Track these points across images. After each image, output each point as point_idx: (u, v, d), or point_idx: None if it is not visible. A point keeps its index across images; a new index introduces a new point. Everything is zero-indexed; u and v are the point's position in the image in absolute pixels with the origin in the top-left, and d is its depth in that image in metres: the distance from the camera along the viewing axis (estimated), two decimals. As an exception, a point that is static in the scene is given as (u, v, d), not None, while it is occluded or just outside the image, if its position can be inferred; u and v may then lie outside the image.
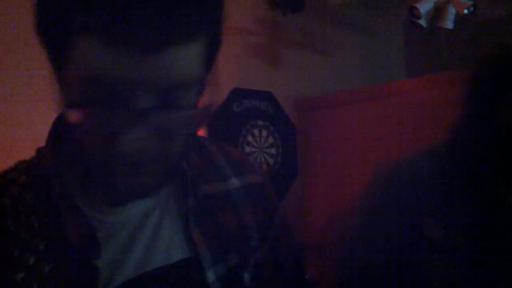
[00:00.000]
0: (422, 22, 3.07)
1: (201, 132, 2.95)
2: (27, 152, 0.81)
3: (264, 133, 3.32)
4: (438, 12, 3.08)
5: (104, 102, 0.62)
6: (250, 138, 3.23)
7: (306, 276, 0.97)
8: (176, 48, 0.60)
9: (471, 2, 2.93)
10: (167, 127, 0.64)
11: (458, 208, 1.29)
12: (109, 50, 0.59)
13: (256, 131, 3.27)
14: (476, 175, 1.29)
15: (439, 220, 1.27)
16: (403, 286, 1.30)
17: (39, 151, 0.78)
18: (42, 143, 0.79)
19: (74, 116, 0.62)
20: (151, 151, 0.64)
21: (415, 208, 1.28)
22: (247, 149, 3.21)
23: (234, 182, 0.88)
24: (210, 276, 0.78)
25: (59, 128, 0.76)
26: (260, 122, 3.29)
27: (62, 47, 0.63)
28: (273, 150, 3.36)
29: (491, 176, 1.30)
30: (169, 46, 0.60)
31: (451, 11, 3.02)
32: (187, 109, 0.66)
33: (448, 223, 1.27)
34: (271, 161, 3.34)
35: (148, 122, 0.62)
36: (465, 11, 2.97)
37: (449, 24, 3.05)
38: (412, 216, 1.28)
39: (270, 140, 3.35)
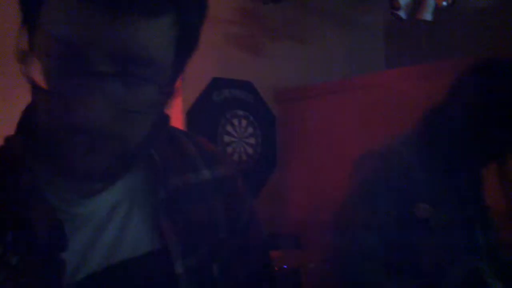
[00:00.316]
0: (402, 14, 3.08)
1: (179, 124, 2.93)
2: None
3: (244, 123, 3.31)
4: (417, 4, 3.10)
5: (64, 66, 0.61)
6: (229, 128, 3.22)
7: (276, 268, 0.96)
8: (140, 18, 0.61)
9: (450, -5, 2.95)
10: (127, 100, 0.64)
11: (445, 190, 1.32)
12: (74, 8, 0.59)
13: (235, 121, 3.26)
14: (457, 158, 1.32)
15: (428, 203, 1.30)
16: (392, 269, 1.31)
17: (7, 139, 0.76)
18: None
19: (37, 88, 0.62)
20: (108, 125, 0.63)
21: (404, 193, 1.30)
22: (226, 138, 3.20)
23: (205, 174, 0.87)
24: (179, 267, 0.77)
25: (28, 116, 0.75)
26: (239, 112, 3.28)
27: (32, 5, 0.64)
28: (252, 140, 3.35)
29: (470, 157, 1.34)
30: (132, 13, 0.60)
31: (430, 3, 3.04)
32: (149, 86, 0.65)
33: (437, 205, 1.30)
34: (250, 151, 3.34)
35: (106, 89, 0.62)
36: (444, 3, 2.99)
37: (428, 16, 3.07)
38: (402, 201, 1.30)
39: (250, 130, 3.34)
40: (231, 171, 0.91)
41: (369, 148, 1.43)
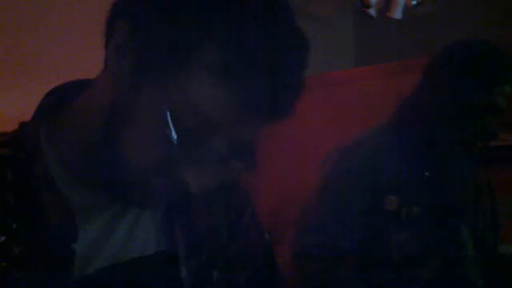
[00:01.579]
0: (372, 12, 3.10)
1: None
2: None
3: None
4: (387, 2, 3.12)
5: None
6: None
7: (279, 273, 0.97)
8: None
9: (419, -6, 2.98)
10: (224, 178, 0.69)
11: (418, 183, 1.32)
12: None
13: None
14: (430, 147, 1.33)
15: (401, 197, 1.30)
16: (364, 263, 1.31)
17: (23, 125, 0.74)
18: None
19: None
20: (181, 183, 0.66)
21: (376, 187, 1.30)
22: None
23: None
24: (184, 271, 0.77)
25: (53, 102, 0.73)
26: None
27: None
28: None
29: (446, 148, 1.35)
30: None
31: (400, 1, 3.06)
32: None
33: (409, 199, 1.30)
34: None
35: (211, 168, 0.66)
36: (414, 2, 3.02)
37: (398, 14, 3.09)
38: (374, 194, 1.30)
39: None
40: (236, 178, 0.92)
41: (338, 143, 1.44)
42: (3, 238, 0.66)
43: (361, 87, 2.93)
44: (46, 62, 2.49)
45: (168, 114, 0.60)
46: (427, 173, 1.34)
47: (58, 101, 0.73)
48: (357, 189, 1.32)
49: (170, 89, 0.61)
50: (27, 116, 0.76)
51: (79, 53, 2.25)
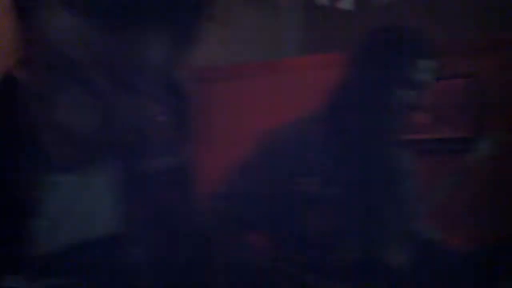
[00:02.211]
0: (323, 1, 3.10)
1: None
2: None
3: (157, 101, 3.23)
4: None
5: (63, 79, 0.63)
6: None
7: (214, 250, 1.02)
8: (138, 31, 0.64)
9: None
10: (121, 110, 0.68)
11: (333, 165, 1.36)
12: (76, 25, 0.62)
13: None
14: (352, 129, 1.37)
15: (316, 177, 1.34)
16: (280, 240, 1.34)
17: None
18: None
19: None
20: (95, 128, 0.67)
21: (295, 168, 1.34)
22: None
23: (164, 161, 0.90)
24: (137, 252, 0.80)
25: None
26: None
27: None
28: (164, 120, 3.27)
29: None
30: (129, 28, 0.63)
31: (350, -8, 3.07)
32: (142, 95, 0.71)
33: (324, 179, 1.34)
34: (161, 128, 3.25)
35: (102, 98, 0.66)
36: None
37: (347, 5, 3.10)
38: (291, 175, 1.34)
39: (163, 108, 3.26)
40: (187, 160, 0.96)
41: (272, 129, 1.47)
42: None
43: (307, 76, 2.94)
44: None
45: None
46: (345, 156, 1.38)
47: None
48: (275, 166, 1.36)
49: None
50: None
51: None
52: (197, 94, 3.42)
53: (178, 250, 0.89)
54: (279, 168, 1.37)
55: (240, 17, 3.78)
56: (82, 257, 0.75)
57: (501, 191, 2.49)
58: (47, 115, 0.66)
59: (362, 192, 1.41)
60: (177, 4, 0.72)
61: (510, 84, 2.72)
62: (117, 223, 0.80)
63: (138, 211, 0.82)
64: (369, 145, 1.42)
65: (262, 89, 3.16)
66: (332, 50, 3.37)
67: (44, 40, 0.63)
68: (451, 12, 3.40)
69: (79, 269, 0.75)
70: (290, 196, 1.36)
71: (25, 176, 0.73)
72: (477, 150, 2.23)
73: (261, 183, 1.36)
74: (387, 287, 1.35)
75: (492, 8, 3.26)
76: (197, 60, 3.48)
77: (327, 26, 3.98)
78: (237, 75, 3.29)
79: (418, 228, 1.53)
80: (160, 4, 0.69)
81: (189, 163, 0.97)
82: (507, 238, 1.35)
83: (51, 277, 0.74)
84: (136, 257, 0.80)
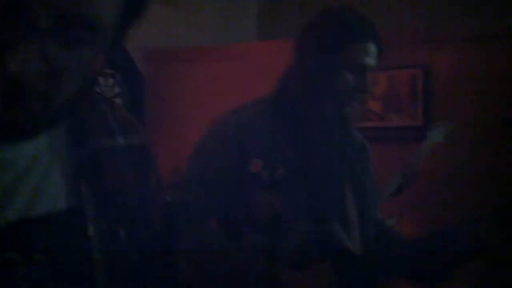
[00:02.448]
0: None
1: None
2: None
3: (111, 82, 3.19)
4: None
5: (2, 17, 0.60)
6: (95, 86, 3.07)
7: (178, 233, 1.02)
8: None
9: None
10: (60, 58, 0.64)
11: (285, 148, 1.38)
12: None
13: (101, 79, 3.13)
14: (301, 120, 1.39)
15: (267, 161, 1.35)
16: (230, 224, 1.35)
17: None
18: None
19: None
20: (38, 82, 0.63)
21: (245, 153, 1.35)
22: (91, 97, 3.05)
23: (120, 140, 0.89)
24: (91, 228, 0.79)
25: None
26: (106, 70, 3.15)
27: None
28: (119, 100, 3.23)
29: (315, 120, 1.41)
30: None
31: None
32: (86, 47, 0.66)
33: (275, 163, 1.36)
34: (116, 111, 3.21)
35: (41, 45, 0.62)
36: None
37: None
38: (241, 158, 1.35)
39: (117, 89, 3.23)
40: (143, 140, 0.95)
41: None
42: None
43: (263, 61, 2.95)
44: None
45: None
46: (293, 141, 1.40)
47: None
48: (226, 151, 1.37)
49: None
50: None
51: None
52: (152, 75, 3.39)
53: (134, 225, 0.89)
54: (231, 153, 1.38)
55: (197, 0, 3.75)
56: (32, 233, 0.74)
57: (450, 180, 2.57)
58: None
59: (312, 177, 1.43)
60: None
61: (459, 74, 2.80)
62: (70, 199, 0.79)
63: (92, 187, 0.82)
64: (318, 130, 1.44)
65: (217, 73, 3.15)
66: (287, 36, 3.39)
67: None
68: (403, 2, 3.46)
69: (30, 244, 0.74)
70: (242, 181, 1.38)
71: None
72: (429, 138, 2.29)
73: (215, 169, 1.37)
74: (342, 272, 1.37)
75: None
76: (154, 42, 3.44)
77: (283, 11, 4.00)
78: (192, 58, 3.27)
79: (372, 215, 1.56)
80: None
81: (143, 142, 0.96)
82: (459, 224, 1.39)
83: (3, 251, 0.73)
84: (91, 234, 0.80)
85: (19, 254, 0.72)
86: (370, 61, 1.35)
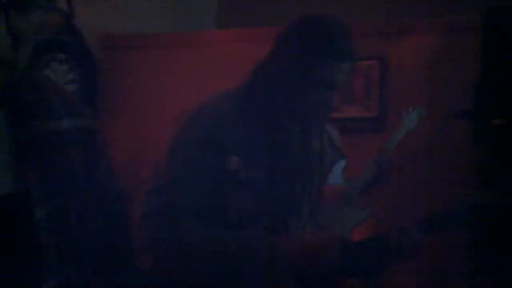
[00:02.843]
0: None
1: None
2: None
3: (65, 67, 3.12)
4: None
5: None
6: (49, 72, 3.00)
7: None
8: None
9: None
10: (23, 28, 0.66)
11: (257, 144, 1.38)
12: None
13: (55, 65, 3.05)
14: (273, 114, 1.39)
15: (242, 157, 1.35)
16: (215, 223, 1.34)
17: None
18: None
19: None
20: (7, 52, 0.65)
21: (220, 148, 1.34)
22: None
23: (66, 123, 0.88)
24: (38, 212, 0.78)
25: None
26: (60, 56, 3.08)
27: None
28: (73, 87, 3.17)
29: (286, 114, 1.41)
30: None
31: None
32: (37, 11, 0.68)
33: (249, 159, 1.36)
34: (69, 98, 3.14)
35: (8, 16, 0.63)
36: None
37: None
38: (217, 155, 1.34)
39: (70, 75, 3.16)
40: (91, 124, 0.93)
41: (192, 104, 1.45)
42: None
43: (222, 49, 2.93)
44: None
45: None
46: (267, 138, 1.40)
47: None
48: (201, 149, 1.35)
49: None
50: None
51: None
52: (107, 62, 3.33)
53: (83, 210, 0.87)
54: (209, 151, 1.36)
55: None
56: None
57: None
58: None
59: (284, 171, 1.43)
60: None
61: (414, 66, 2.85)
62: (15, 183, 0.78)
63: (38, 171, 0.80)
64: (288, 128, 1.44)
65: (174, 61, 3.12)
66: (247, 25, 3.39)
67: None
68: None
69: None
70: (219, 178, 1.37)
71: None
72: (402, 125, 2.32)
73: (195, 168, 1.35)
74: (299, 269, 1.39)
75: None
76: (109, 28, 3.38)
77: (241, 1, 3.99)
78: (149, 45, 3.23)
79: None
80: None
81: (92, 127, 0.95)
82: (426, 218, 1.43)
83: None
84: (39, 218, 0.79)
85: None
86: (345, 80, 1.38)
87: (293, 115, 1.43)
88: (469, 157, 2.50)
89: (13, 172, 0.78)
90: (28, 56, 0.73)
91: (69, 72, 3.14)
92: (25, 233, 0.78)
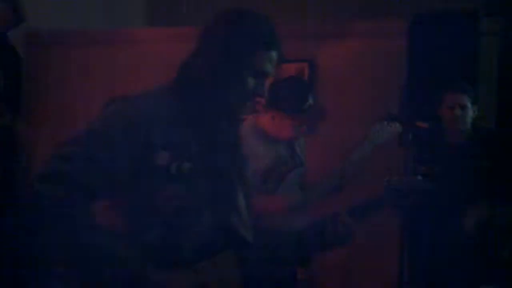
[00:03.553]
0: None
1: None
2: None
3: (-15, 62, 2.97)
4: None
5: None
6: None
7: None
8: None
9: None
10: None
11: (188, 139, 1.37)
12: None
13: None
14: (201, 107, 1.40)
15: (172, 153, 1.35)
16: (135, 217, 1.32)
17: None
18: None
19: None
20: None
21: (149, 142, 1.32)
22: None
23: None
24: None
25: None
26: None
27: None
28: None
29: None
30: None
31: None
32: None
33: (180, 155, 1.35)
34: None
35: None
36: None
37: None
38: (145, 149, 1.32)
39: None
40: (9, 122, 0.87)
41: (117, 95, 1.43)
42: None
43: (152, 48, 2.90)
44: None
45: None
46: (196, 133, 1.41)
47: None
48: (129, 140, 1.33)
49: None
50: None
51: None
52: (32, 58, 3.21)
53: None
54: (134, 143, 1.33)
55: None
56: None
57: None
58: None
59: (211, 168, 1.44)
60: None
61: (344, 69, 2.92)
62: None
63: None
64: (216, 121, 1.45)
65: (102, 59, 3.06)
66: (172, 24, 3.37)
67: None
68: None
69: None
70: (145, 172, 1.34)
71: None
72: (369, 138, 2.34)
73: (114, 155, 1.31)
74: (243, 262, 1.40)
75: None
76: (35, 23, 3.25)
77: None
78: (76, 42, 3.15)
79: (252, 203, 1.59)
80: None
81: (10, 124, 0.91)
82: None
83: None
84: None
85: None
86: (271, 68, 1.41)
87: (221, 108, 1.44)
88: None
89: None
90: None
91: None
92: None
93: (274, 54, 1.42)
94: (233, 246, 1.41)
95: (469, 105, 2.54)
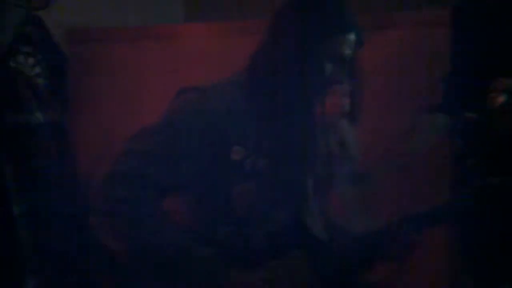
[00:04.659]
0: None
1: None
2: None
3: (31, 61, 3.03)
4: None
5: None
6: (13, 65, 2.91)
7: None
8: None
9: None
10: None
11: (264, 136, 1.34)
12: None
13: (21, 58, 2.96)
14: (276, 101, 1.36)
15: (246, 148, 1.32)
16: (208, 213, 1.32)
17: None
18: None
19: None
20: None
21: (221, 134, 1.31)
22: (9, 77, 2.89)
23: (39, 117, 0.84)
24: (16, 210, 0.79)
25: None
26: (25, 48, 2.99)
27: None
28: (40, 81, 3.08)
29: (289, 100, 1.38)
30: None
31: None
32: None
33: (254, 150, 1.33)
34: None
35: None
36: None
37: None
38: (220, 143, 1.30)
39: (37, 69, 3.07)
40: (60, 116, 0.90)
41: (188, 86, 1.40)
42: None
43: (195, 43, 2.91)
44: None
45: None
46: (273, 127, 1.37)
47: None
48: (202, 136, 1.31)
49: None
50: None
51: None
52: (76, 56, 3.26)
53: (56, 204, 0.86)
54: (208, 138, 1.31)
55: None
56: None
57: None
58: None
59: (285, 164, 1.40)
60: None
61: (383, 60, 2.87)
62: None
63: (14, 166, 0.79)
64: (290, 114, 1.41)
65: (143, 55, 3.09)
66: (213, 19, 3.37)
67: None
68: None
69: None
70: (220, 169, 1.32)
71: None
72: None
73: (178, 146, 1.30)
74: (316, 261, 1.36)
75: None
76: (78, 21, 3.30)
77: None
78: (118, 39, 3.19)
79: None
80: None
81: (62, 120, 0.93)
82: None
83: None
84: (16, 215, 0.77)
85: None
86: (349, 51, 1.35)
87: (297, 99, 1.38)
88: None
89: None
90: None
91: (36, 66, 3.06)
92: (3, 230, 0.76)
93: (352, 37, 1.35)
94: (306, 245, 1.36)
95: None
